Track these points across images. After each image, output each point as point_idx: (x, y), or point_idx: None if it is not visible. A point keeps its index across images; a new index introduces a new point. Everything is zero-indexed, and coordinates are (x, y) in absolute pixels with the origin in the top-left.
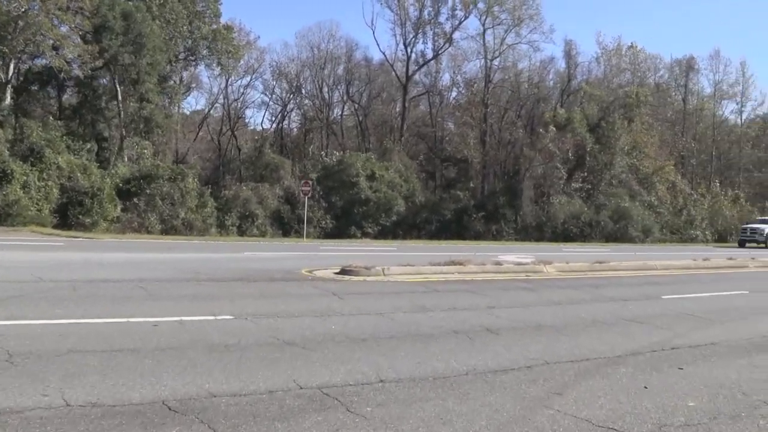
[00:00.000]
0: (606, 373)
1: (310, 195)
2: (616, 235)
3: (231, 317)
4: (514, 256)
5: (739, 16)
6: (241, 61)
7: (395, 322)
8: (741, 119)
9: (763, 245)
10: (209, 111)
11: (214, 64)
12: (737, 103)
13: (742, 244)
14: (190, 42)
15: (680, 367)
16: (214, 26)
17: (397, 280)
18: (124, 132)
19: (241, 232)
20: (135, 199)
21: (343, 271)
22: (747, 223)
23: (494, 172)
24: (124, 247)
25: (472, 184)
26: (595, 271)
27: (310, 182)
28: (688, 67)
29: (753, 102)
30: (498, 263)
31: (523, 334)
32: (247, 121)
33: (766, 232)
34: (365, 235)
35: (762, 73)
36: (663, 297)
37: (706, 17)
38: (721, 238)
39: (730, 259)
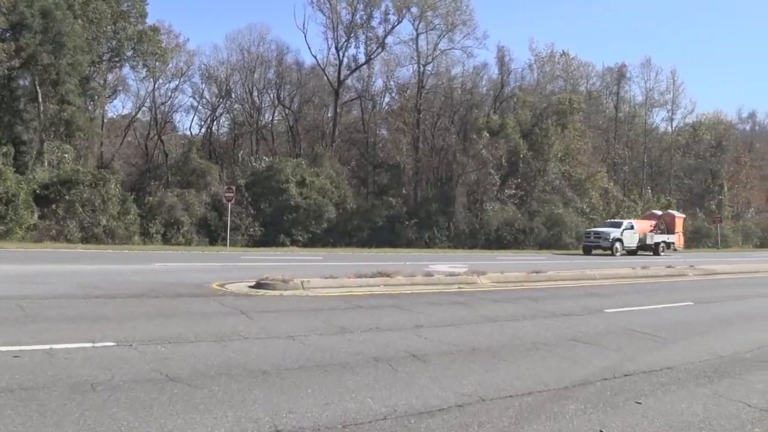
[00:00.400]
0: (553, 412)
1: (234, 201)
2: (550, 242)
3: (113, 344)
4: (447, 266)
5: (669, 25)
6: (170, 64)
7: (307, 348)
8: (671, 127)
9: (609, 251)
10: (136, 115)
11: (140, 67)
12: (668, 111)
13: (587, 251)
14: (114, 43)
15: (638, 401)
16: (140, 27)
17: (318, 295)
18: (43, 135)
19: (166, 240)
20: (53, 206)
21: (259, 285)
22: (592, 228)
23: (427, 178)
24: (26, 257)
25: (404, 191)
26: (532, 281)
27: (233, 188)
28: (619, 75)
29: (683, 110)
30: (429, 274)
31: (455, 361)
32: (175, 125)
33: (611, 236)
34: (294, 243)
35: (692, 81)
36: (606, 310)
37: (637, 26)
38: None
39: (669, 267)
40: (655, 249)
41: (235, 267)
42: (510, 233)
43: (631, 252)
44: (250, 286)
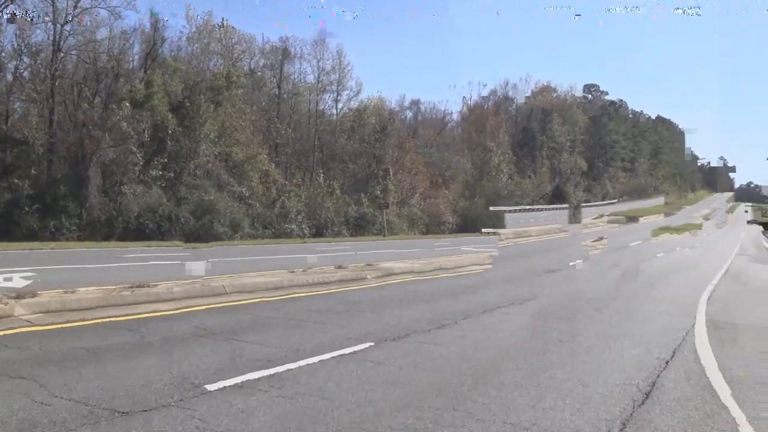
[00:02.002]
0: None
1: None
2: (200, 233)
3: None
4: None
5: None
6: None
7: None
8: (337, 109)
9: None
10: None
11: None
12: (334, 92)
13: None
14: None
15: None
16: None
17: None
18: None
19: None
20: None
21: None
22: None
23: (63, 156)
24: None
25: (34, 171)
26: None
27: None
28: (284, 53)
29: (349, 91)
30: None
31: None
32: None
33: None
34: None
35: (358, 62)
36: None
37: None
38: (319, 233)
39: (340, 268)
40: None
41: None
42: (153, 221)
43: None
44: None
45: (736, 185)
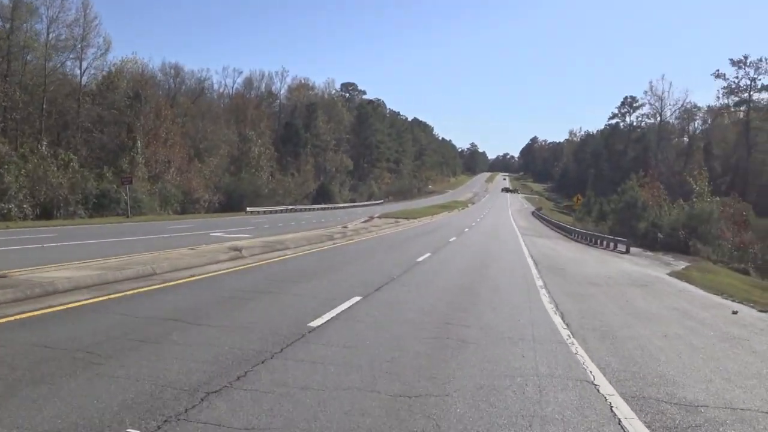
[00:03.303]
0: None
1: None
2: None
3: None
4: None
5: None
6: None
7: None
8: (81, 69)
9: None
10: None
11: None
12: (76, 49)
13: None
14: None
15: None
16: None
17: None
18: None
19: None
20: None
21: None
22: None
23: None
24: None
25: None
26: None
27: None
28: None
29: (96, 49)
30: None
31: None
32: None
33: None
34: None
35: (108, 16)
36: None
37: None
38: (46, 213)
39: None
40: None
41: None
42: None
43: None
44: None
45: (491, 157)
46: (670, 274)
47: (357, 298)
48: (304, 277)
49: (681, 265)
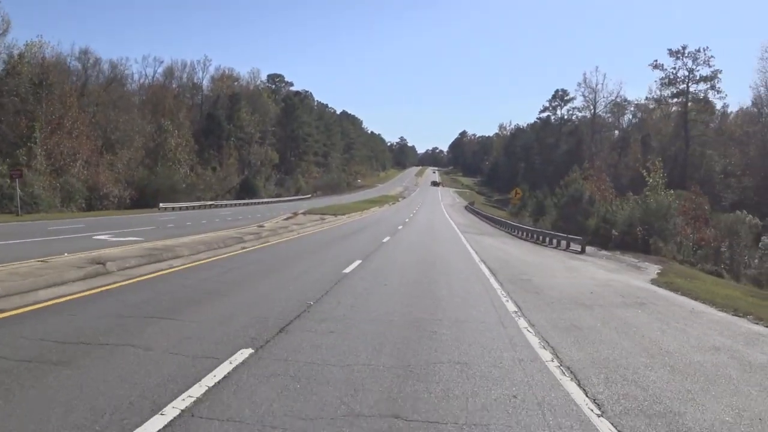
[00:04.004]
0: None
1: None
2: None
3: None
4: None
5: None
6: None
7: None
8: None
9: None
10: None
11: None
12: None
13: None
14: None
15: None
16: None
17: None
18: None
19: None
20: None
21: None
22: None
23: None
24: None
25: None
26: None
27: None
28: None
29: None
30: None
31: None
32: None
33: None
34: None
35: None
36: None
37: None
38: None
39: None
40: None
41: None
42: None
43: None
44: None
45: (421, 151)
46: (654, 284)
47: (244, 354)
48: (175, 310)
49: (650, 267)
